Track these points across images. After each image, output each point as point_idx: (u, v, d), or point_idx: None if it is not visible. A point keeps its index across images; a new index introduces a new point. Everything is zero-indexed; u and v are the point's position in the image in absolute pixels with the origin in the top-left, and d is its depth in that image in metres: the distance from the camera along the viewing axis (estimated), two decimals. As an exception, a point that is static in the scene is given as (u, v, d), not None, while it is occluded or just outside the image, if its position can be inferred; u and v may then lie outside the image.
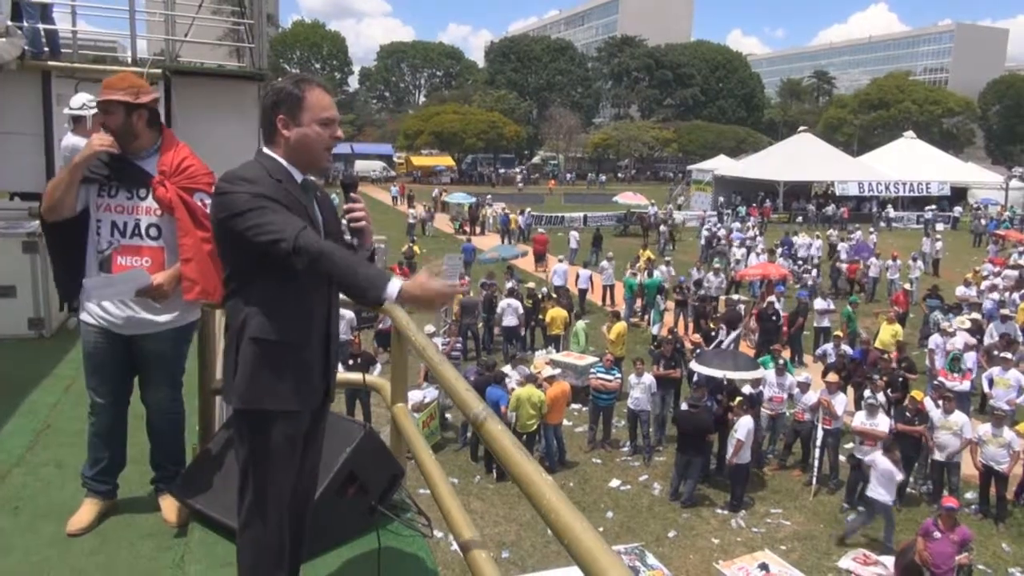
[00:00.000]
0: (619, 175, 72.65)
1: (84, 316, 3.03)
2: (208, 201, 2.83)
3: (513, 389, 11.13)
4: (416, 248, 24.86)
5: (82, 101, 5.11)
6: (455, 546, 8.09)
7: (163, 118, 3.19)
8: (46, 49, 7.31)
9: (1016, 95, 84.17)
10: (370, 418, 10.76)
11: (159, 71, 7.37)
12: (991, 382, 11.88)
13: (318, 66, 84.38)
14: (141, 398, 3.18)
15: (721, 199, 42.36)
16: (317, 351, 2.34)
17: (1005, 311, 15.33)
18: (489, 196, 41.35)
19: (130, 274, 2.96)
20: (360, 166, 60.36)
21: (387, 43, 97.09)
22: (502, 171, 67.15)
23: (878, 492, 9.06)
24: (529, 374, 11.30)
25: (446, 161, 66.97)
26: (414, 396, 10.62)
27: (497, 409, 10.09)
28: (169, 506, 3.15)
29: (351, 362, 10.89)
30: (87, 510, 3.10)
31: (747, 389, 11.17)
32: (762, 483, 10.92)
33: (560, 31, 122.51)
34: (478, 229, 33.89)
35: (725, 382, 11.36)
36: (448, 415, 12.24)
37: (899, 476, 9.13)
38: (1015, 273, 20.12)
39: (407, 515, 3.32)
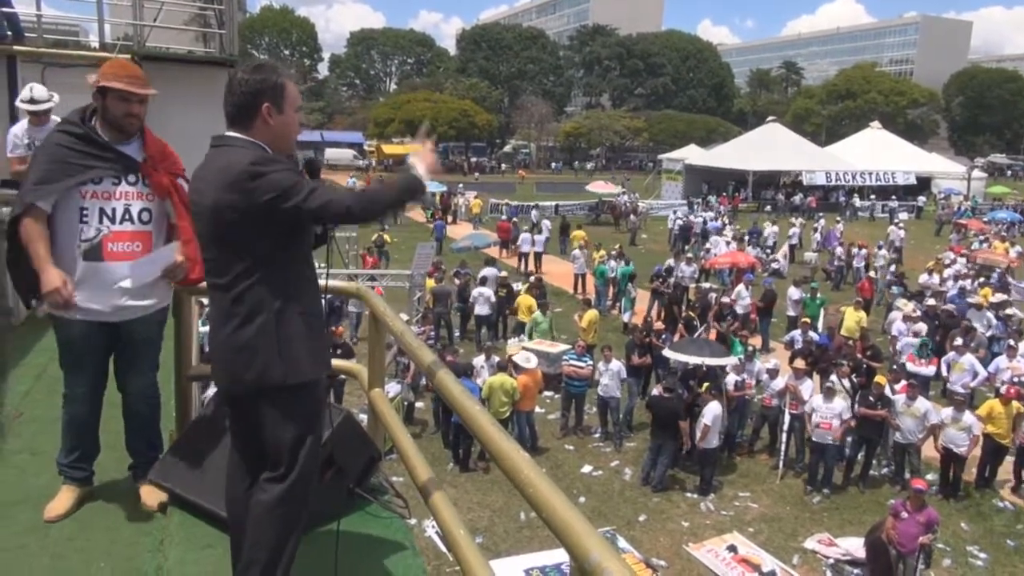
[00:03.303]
0: (590, 165, 72.89)
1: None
2: (186, 187, 2.86)
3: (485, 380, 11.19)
4: (387, 237, 24.78)
5: (39, 94, 5.06)
6: (429, 531, 8.20)
7: None
8: (8, 33, 7.18)
9: (978, 87, 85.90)
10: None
11: (127, 56, 7.28)
12: (949, 367, 12.26)
13: (287, 52, 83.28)
14: (119, 385, 3.17)
15: (709, 190, 42.53)
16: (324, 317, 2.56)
17: (974, 300, 15.80)
18: (461, 185, 41.28)
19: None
20: (330, 154, 59.88)
21: (357, 30, 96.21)
22: (474, 160, 67.04)
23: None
24: (500, 362, 11.36)
25: (417, 149, 66.49)
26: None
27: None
28: (148, 491, 3.16)
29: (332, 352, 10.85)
30: (65, 496, 3.10)
31: (732, 378, 11.37)
32: (731, 467, 11.13)
33: (532, 19, 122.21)
34: (450, 218, 33.83)
35: (705, 369, 11.53)
36: (420, 403, 12.29)
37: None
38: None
39: (384, 498, 3.37)
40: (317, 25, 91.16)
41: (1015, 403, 10.36)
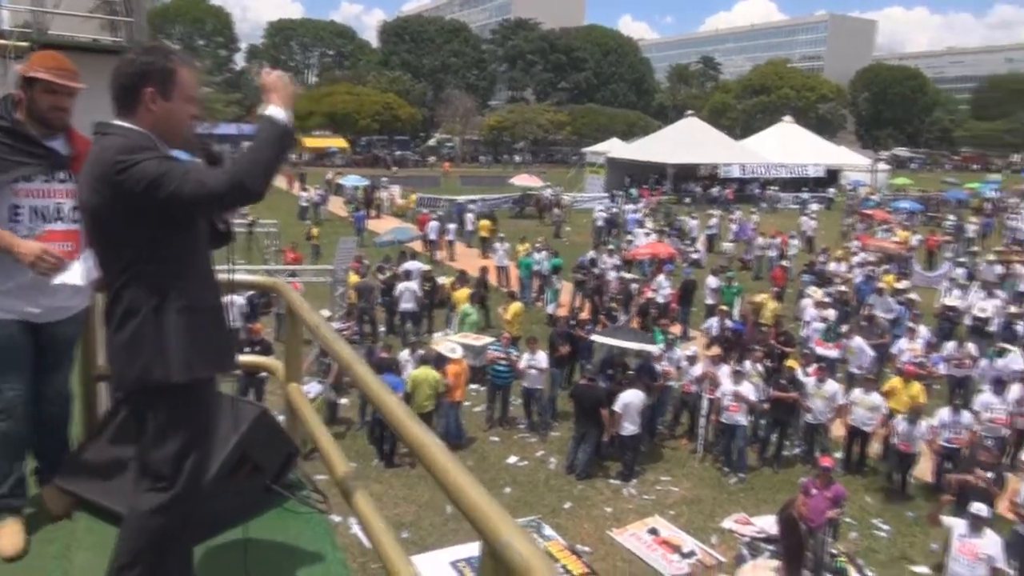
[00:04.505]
0: (518, 158, 73.13)
1: None
2: None
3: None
4: (314, 231, 24.45)
5: None
6: (355, 528, 8.14)
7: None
8: None
9: (882, 83, 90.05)
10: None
11: (26, 44, 6.92)
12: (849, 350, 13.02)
13: (202, 43, 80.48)
14: (38, 389, 2.99)
15: (631, 183, 43.23)
16: (224, 313, 2.39)
17: (882, 284, 16.69)
18: (385, 179, 40.86)
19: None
20: (249, 148, 58.16)
21: (276, 20, 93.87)
22: (398, 153, 66.38)
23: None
24: (425, 355, 11.36)
25: (339, 143, 65.53)
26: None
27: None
28: (52, 495, 3.05)
29: (249, 349, 10.64)
30: (13, 529, 2.82)
31: (664, 364, 11.76)
32: (654, 453, 11.43)
33: (454, 12, 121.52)
34: (374, 212, 33.46)
35: (634, 354, 11.82)
36: (344, 399, 12.16)
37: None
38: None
39: (303, 493, 3.35)
40: (233, 14, 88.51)
41: (915, 383, 11.02)
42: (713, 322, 14.60)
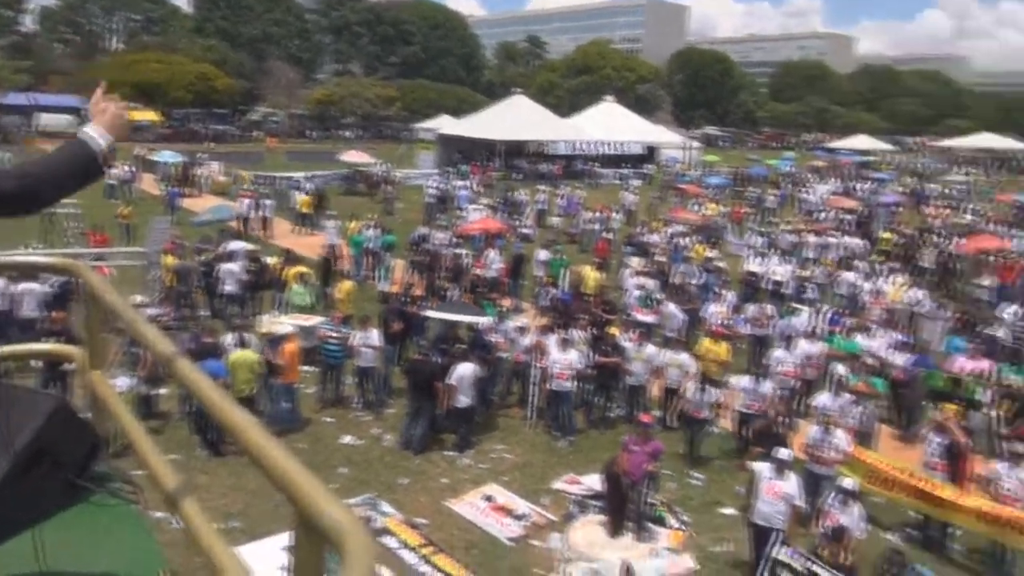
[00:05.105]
0: (348, 133, 71.22)
1: None
2: None
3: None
4: (124, 210, 22.55)
5: None
6: (175, 523, 7.76)
7: None
8: None
9: (695, 66, 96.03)
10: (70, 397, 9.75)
11: None
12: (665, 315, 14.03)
13: (-21, 1, 71.46)
14: None
15: (462, 159, 43.29)
16: None
17: (692, 254, 17.98)
18: (206, 155, 38.50)
19: None
20: (46, 120, 52.81)
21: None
22: (220, 128, 62.58)
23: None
24: (245, 338, 10.98)
25: (149, 116, 60.74)
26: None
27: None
28: None
29: (51, 339, 9.72)
30: None
31: (496, 336, 12.02)
32: (487, 423, 11.72)
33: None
34: (192, 190, 31.46)
35: (467, 328, 12.00)
36: (161, 390, 11.45)
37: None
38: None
39: (113, 485, 3.18)
40: (19, -30, 78.97)
41: (723, 343, 12.05)
42: (542, 293, 15.13)
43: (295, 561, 1.55)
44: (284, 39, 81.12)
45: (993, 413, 11.03)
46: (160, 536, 5.47)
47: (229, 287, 15.08)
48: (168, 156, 35.82)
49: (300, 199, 25.93)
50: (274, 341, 11.03)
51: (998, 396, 11.22)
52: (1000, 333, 14.26)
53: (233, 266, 15.29)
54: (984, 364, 12.07)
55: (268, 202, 24.75)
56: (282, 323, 13.40)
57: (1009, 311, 15.38)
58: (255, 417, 1.90)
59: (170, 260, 15.25)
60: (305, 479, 1.59)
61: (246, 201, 24.27)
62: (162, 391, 11.42)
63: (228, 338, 11.38)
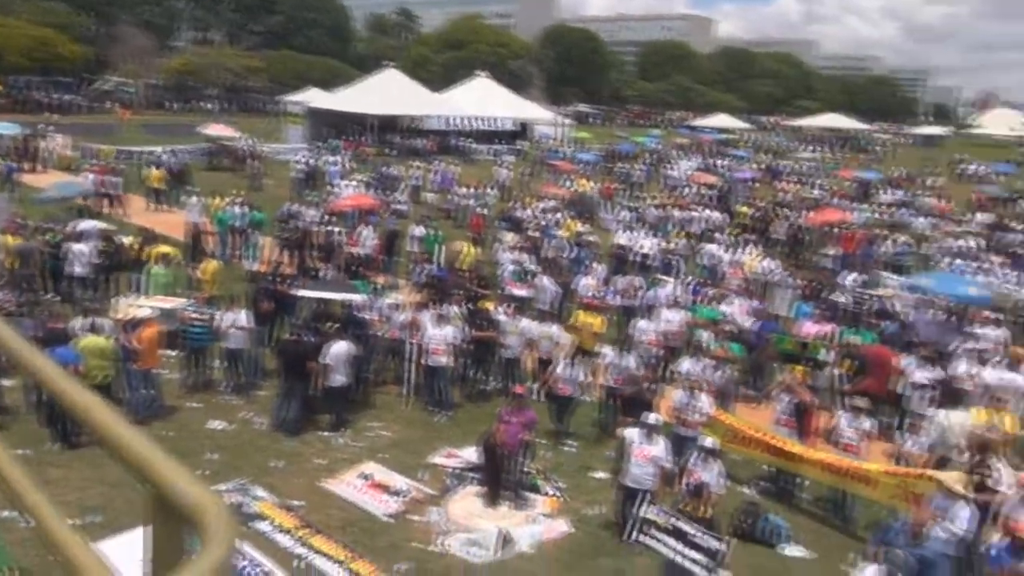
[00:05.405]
0: (210, 105, 67.53)
1: None
2: None
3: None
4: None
5: None
6: (24, 523, 7.25)
7: None
8: None
9: (566, 44, 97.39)
10: None
11: None
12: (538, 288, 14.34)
13: None
14: None
15: (334, 133, 41.96)
16: None
17: (562, 229, 18.39)
18: (51, 127, 35.47)
19: None
20: None
21: None
22: (65, 97, 57.70)
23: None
24: (95, 323, 10.35)
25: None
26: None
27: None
28: None
29: None
30: None
31: (371, 313, 11.86)
32: (363, 401, 11.60)
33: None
34: (34, 165, 28.97)
35: (340, 305, 11.78)
36: (5, 381, 10.60)
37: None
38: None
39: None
40: None
41: (596, 314, 12.44)
42: (417, 269, 15.07)
43: (152, 545, 1.50)
44: (136, 4, 75.64)
45: (836, 371, 11.99)
46: (8, 535, 5.12)
47: (78, 269, 14.07)
48: (4, 128, 32.80)
49: (150, 174, 24.41)
50: (131, 325, 10.42)
51: (840, 356, 12.20)
52: (842, 299, 15.48)
53: (83, 247, 14.27)
54: (828, 327, 13.08)
55: (114, 179, 23.04)
56: (140, 306, 12.69)
57: (849, 279, 16.74)
58: (112, 406, 1.81)
59: (10, 240, 14.06)
60: (156, 456, 1.54)
61: (90, 176, 22.59)
62: (5, 383, 10.58)
63: (78, 323, 10.65)
